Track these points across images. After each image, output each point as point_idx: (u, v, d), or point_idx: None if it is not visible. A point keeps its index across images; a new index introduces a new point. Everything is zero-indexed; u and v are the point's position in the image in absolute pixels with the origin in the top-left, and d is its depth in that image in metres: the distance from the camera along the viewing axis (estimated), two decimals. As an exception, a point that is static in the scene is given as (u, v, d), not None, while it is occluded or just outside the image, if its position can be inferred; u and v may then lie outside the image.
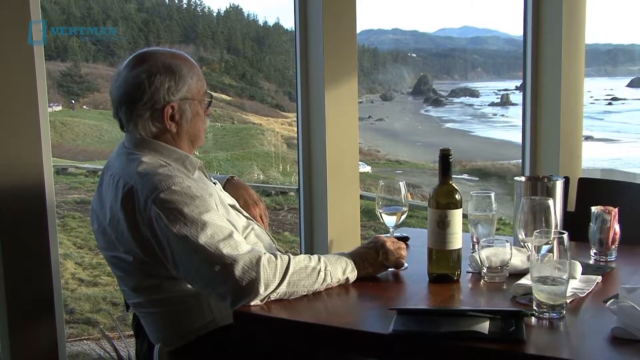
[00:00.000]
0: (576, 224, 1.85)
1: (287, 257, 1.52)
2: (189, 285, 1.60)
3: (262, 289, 1.45)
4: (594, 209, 1.83)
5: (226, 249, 1.47)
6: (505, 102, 20.63)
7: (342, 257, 1.62)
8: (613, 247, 1.80)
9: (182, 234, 1.48)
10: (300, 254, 2.69)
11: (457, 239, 1.62)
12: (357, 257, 1.64)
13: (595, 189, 2.58)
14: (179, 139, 1.69)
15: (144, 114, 1.65)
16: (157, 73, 1.63)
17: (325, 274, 1.55)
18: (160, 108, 1.64)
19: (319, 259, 1.57)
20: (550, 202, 1.57)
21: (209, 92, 1.76)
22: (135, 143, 1.67)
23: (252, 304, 1.46)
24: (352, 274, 1.61)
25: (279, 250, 1.76)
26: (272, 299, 1.48)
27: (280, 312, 1.47)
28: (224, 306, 1.59)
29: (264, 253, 1.50)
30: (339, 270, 1.58)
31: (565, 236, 1.35)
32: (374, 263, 1.65)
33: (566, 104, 3.29)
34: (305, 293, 1.52)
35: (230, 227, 1.53)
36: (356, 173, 2.94)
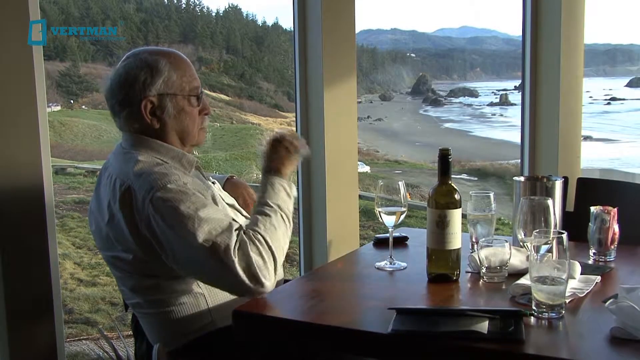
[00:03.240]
0: (575, 224, 1.86)
1: (260, 236, 1.54)
2: (192, 283, 1.61)
3: (263, 277, 1.50)
4: (593, 209, 1.83)
5: (224, 243, 1.48)
6: (504, 102, 20.65)
7: (276, 182, 1.67)
8: (612, 247, 1.81)
9: (180, 231, 1.48)
10: (299, 254, 2.68)
11: (456, 239, 1.62)
12: (281, 166, 1.69)
13: (594, 189, 2.59)
14: (165, 135, 1.68)
15: (124, 109, 1.66)
16: (134, 68, 1.64)
17: (283, 214, 1.62)
18: (137, 103, 1.63)
19: (271, 206, 1.62)
20: (550, 202, 1.57)
21: (201, 89, 1.72)
22: (132, 142, 1.67)
23: (263, 290, 1.50)
24: (293, 189, 1.68)
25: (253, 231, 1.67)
26: (277, 272, 1.54)
27: (280, 312, 1.47)
28: (224, 307, 1.60)
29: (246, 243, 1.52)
30: (285, 197, 1.65)
31: (565, 236, 1.35)
32: (292, 159, 1.71)
33: (565, 104, 3.29)
34: (288, 240, 1.61)
35: (227, 219, 1.54)
36: (355, 173, 2.94)
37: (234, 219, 1.56)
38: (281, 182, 1.68)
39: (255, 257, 1.49)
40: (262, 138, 1.74)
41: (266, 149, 1.72)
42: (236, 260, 1.47)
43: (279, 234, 1.58)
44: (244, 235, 1.52)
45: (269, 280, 1.51)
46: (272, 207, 1.62)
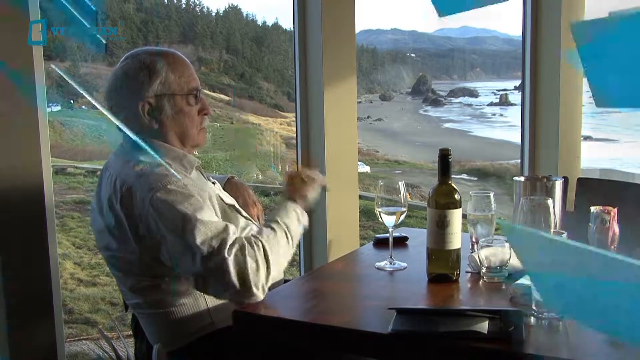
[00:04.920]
0: (575, 224, 1.86)
1: (260, 243, 1.54)
2: (192, 284, 1.60)
3: (255, 287, 1.49)
4: (593, 209, 1.83)
5: (219, 246, 1.47)
6: (504, 102, 20.66)
7: (290, 206, 1.70)
8: (612, 247, 1.80)
9: (178, 232, 1.49)
10: (299, 254, 2.67)
11: (456, 239, 1.62)
12: (296, 194, 1.73)
13: (594, 189, 2.59)
14: (165, 136, 1.68)
15: (123, 110, 1.66)
16: (132, 69, 1.64)
17: (289, 233, 1.63)
18: (135, 104, 1.64)
19: (280, 223, 1.63)
20: (550, 202, 1.57)
21: (200, 89, 1.71)
22: (132, 143, 1.67)
23: (251, 296, 1.48)
24: (304, 217, 1.70)
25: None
26: (268, 284, 1.52)
27: (280, 312, 1.47)
28: (224, 308, 1.59)
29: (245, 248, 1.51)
30: (294, 220, 1.67)
31: (564, 236, 1.35)
32: (308, 188, 1.75)
33: (565, 103, 3.29)
34: (287, 260, 1.63)
35: (223, 223, 1.53)
36: (355, 173, 2.94)
37: (230, 223, 1.56)
38: (295, 207, 1.71)
39: (250, 261, 1.48)
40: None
41: (285, 181, 1.80)
42: (230, 259, 1.46)
43: (280, 248, 1.58)
44: (243, 239, 1.52)
45: (259, 288, 1.49)
46: (280, 224, 1.63)
